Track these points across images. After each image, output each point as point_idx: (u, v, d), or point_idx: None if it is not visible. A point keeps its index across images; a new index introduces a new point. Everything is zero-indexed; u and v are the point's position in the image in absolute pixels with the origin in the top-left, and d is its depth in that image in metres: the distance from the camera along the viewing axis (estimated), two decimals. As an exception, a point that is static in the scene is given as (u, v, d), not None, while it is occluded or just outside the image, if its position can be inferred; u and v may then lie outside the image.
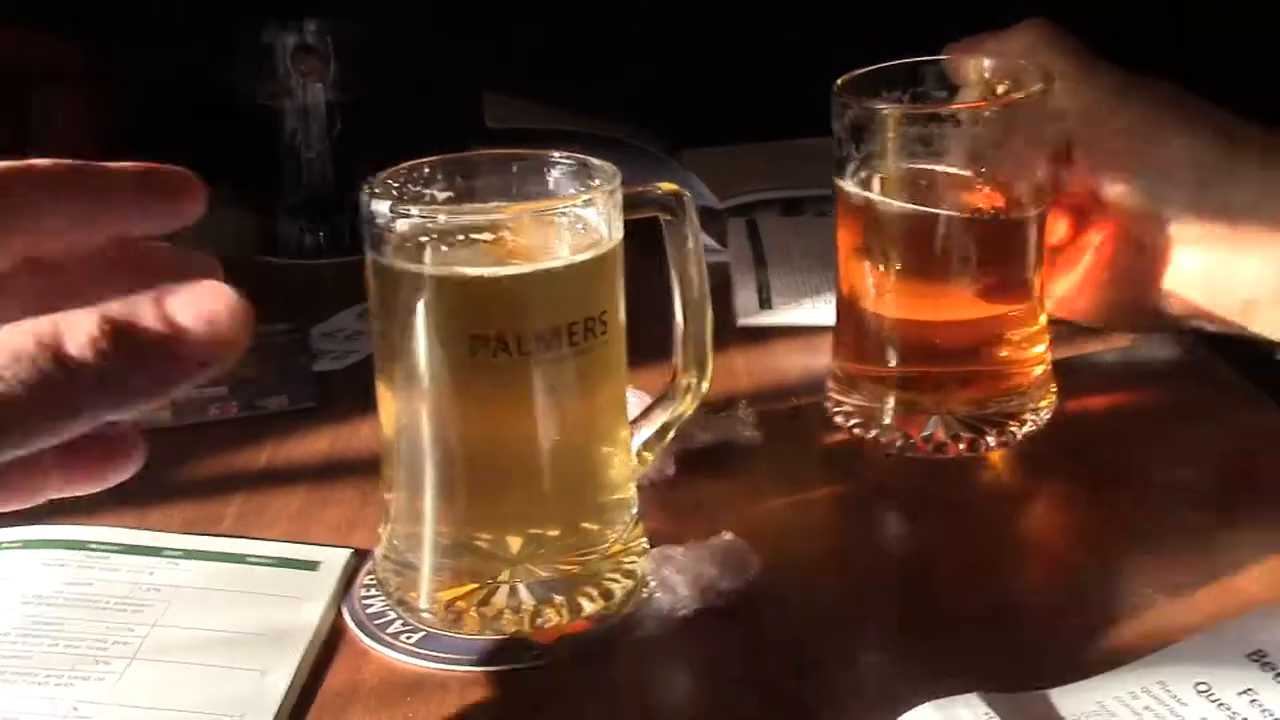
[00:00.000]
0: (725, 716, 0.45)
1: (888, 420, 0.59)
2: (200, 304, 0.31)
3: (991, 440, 0.58)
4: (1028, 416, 0.59)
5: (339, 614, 0.50)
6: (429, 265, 0.45)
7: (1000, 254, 0.58)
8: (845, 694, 0.45)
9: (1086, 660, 0.45)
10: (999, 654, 0.47)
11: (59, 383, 0.30)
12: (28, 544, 0.53)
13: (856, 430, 0.60)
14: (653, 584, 0.49)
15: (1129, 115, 0.60)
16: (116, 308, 0.31)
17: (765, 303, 0.76)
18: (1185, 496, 0.56)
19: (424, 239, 0.45)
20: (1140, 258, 0.61)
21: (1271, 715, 0.41)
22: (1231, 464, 0.59)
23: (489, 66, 0.98)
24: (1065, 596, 0.51)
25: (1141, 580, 0.51)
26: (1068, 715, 0.42)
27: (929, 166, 0.56)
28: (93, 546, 0.53)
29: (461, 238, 0.45)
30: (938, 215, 0.57)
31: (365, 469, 0.60)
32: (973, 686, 0.42)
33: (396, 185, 0.47)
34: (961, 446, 0.58)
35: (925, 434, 0.58)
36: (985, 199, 0.57)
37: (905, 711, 0.41)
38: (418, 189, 0.47)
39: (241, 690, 0.45)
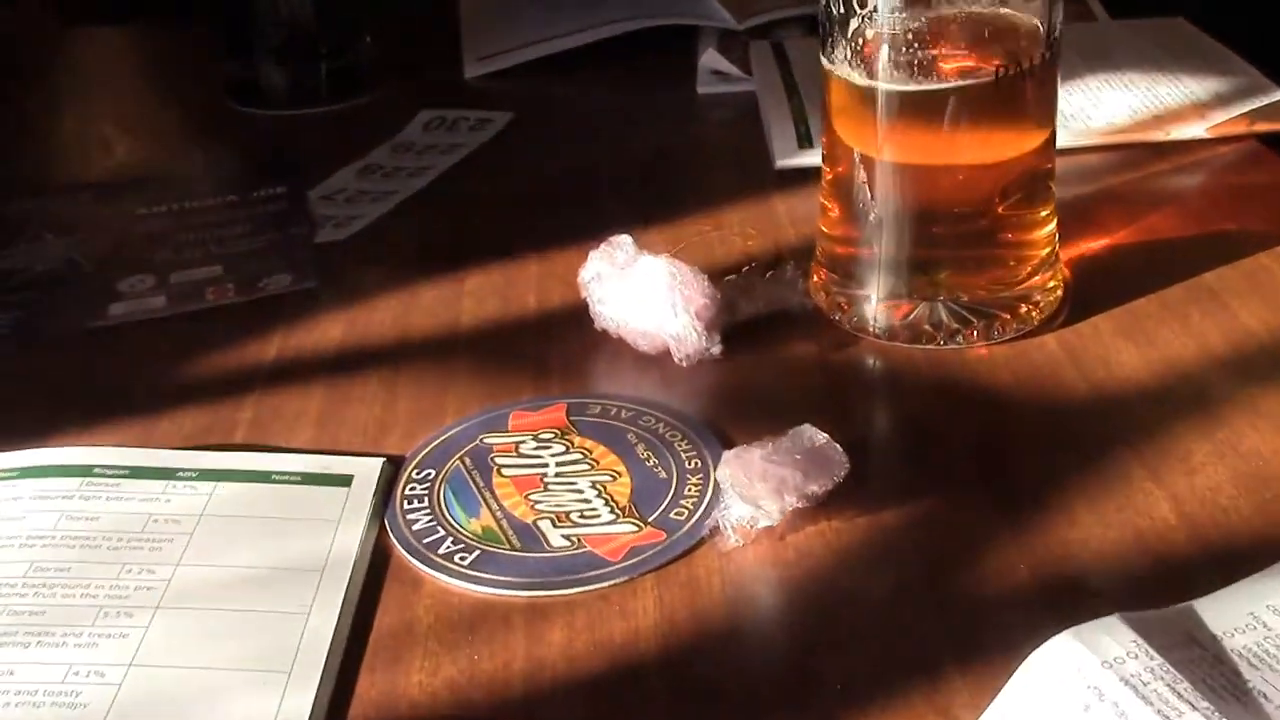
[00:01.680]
0: (824, 639, 0.41)
1: (875, 302, 0.53)
2: None
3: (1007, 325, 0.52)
4: (1038, 299, 0.53)
5: (382, 531, 0.45)
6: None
7: (1007, 112, 0.52)
8: (972, 622, 0.41)
9: (1228, 564, 0.40)
10: (1130, 568, 0.42)
11: None
12: (25, 472, 0.47)
13: (849, 324, 0.54)
14: (731, 491, 0.44)
15: None
16: None
17: (804, 139, 0.68)
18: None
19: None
20: None
21: None
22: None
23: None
24: (1192, 497, 0.45)
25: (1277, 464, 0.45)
26: (1218, 631, 0.37)
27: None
28: (98, 471, 0.47)
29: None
30: (943, 90, 0.50)
31: (387, 358, 0.55)
32: (1110, 608, 0.37)
33: None
34: (975, 334, 0.52)
35: (930, 322, 0.52)
36: (987, 59, 0.50)
37: (1042, 642, 0.36)
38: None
39: (285, 639, 0.40)
